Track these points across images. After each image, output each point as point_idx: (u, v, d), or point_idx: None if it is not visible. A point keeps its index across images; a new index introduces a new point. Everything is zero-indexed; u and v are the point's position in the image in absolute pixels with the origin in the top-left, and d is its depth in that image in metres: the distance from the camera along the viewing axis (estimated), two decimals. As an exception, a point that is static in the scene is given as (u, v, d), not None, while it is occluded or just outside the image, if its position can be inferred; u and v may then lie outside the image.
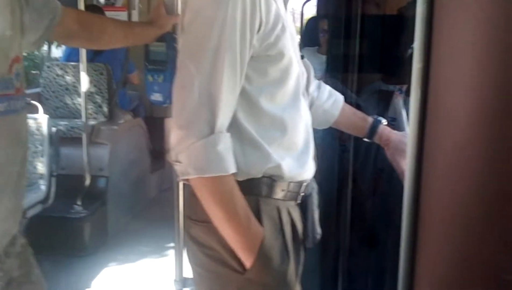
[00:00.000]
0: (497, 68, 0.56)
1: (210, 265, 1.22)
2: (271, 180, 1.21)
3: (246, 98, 1.17)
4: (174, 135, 1.13)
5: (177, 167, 1.15)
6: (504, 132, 0.58)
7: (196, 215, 1.22)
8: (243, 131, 1.18)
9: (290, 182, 1.24)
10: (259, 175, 1.19)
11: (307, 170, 1.28)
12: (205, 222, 1.18)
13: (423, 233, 0.71)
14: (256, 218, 1.18)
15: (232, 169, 1.13)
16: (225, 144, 1.12)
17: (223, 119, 1.12)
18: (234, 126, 1.16)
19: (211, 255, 1.21)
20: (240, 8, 1.09)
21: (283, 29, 1.17)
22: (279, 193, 1.23)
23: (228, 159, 1.13)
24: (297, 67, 1.24)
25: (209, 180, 1.13)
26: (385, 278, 1.52)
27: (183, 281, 3.07)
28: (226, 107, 1.12)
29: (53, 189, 3.26)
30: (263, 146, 1.18)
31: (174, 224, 3.01)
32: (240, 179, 1.17)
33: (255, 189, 1.20)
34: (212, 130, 1.11)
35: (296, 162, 1.24)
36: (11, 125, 1.31)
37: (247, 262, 1.16)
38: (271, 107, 1.19)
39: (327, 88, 1.53)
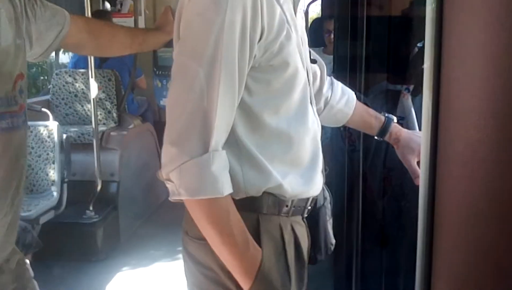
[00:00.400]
0: (509, 68, 0.57)
1: (207, 285, 1.16)
2: (273, 196, 1.13)
3: (246, 111, 1.08)
4: (165, 151, 1.04)
5: (168, 186, 1.06)
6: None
7: (193, 232, 1.14)
8: (242, 147, 1.09)
9: (294, 199, 1.16)
10: (259, 194, 1.11)
11: (314, 187, 1.20)
12: (203, 240, 1.10)
13: (439, 233, 0.72)
14: (256, 238, 1.11)
15: (228, 191, 1.04)
16: (220, 163, 1.03)
17: (219, 136, 1.03)
18: (232, 142, 1.08)
19: (208, 275, 1.15)
20: (240, 13, 0.99)
21: (288, 36, 1.07)
22: (282, 210, 1.15)
23: (223, 179, 1.03)
24: (304, 75, 1.15)
25: (202, 202, 1.04)
26: (399, 278, 1.53)
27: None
28: (222, 123, 1.03)
29: (65, 195, 3.29)
30: (263, 164, 1.10)
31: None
32: (238, 197, 1.09)
33: (255, 205, 1.12)
34: (206, 148, 1.01)
35: (301, 179, 1.16)
36: (13, 141, 1.30)
37: (245, 286, 1.10)
38: (275, 121, 1.10)
39: (339, 86, 1.48)
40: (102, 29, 1.70)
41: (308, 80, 1.20)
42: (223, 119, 1.03)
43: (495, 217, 0.61)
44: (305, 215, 1.21)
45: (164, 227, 3.95)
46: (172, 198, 1.07)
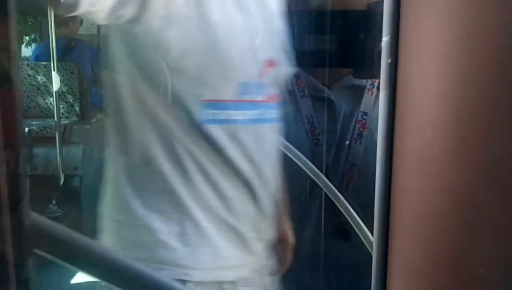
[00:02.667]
0: (465, 66, 0.58)
1: None
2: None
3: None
4: None
5: None
6: (471, 130, 0.60)
7: None
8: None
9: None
10: None
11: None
12: None
13: (395, 230, 0.73)
14: None
15: None
16: None
17: None
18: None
19: None
20: None
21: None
22: None
23: None
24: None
25: None
26: (357, 274, 1.55)
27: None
28: None
29: (27, 189, 3.24)
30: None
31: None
32: None
33: None
34: None
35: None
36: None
37: None
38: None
39: None
40: None
41: None
42: None
43: (450, 214, 0.62)
44: None
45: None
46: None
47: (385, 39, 0.71)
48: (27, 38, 5.89)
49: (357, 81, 1.73)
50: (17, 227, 0.61)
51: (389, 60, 0.70)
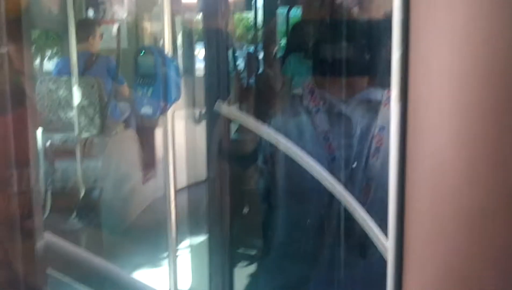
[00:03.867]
0: (474, 91, 0.58)
1: None
2: None
3: None
4: None
5: None
6: (482, 152, 0.60)
7: None
8: None
9: None
10: None
11: None
12: None
13: (408, 250, 0.73)
14: None
15: None
16: None
17: None
18: None
19: None
20: None
21: None
22: None
23: None
24: None
25: None
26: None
27: (178, 292, 3.07)
28: None
29: (48, 202, 3.28)
30: None
31: (167, 234, 3.01)
32: None
33: None
34: None
35: None
36: None
37: None
38: None
39: None
40: None
41: None
42: None
43: (463, 236, 0.62)
44: None
45: (146, 234, 3.94)
46: None
47: (395, 55, 0.71)
48: (48, 52, 5.98)
49: (372, 96, 1.72)
50: (30, 248, 0.62)
51: (398, 80, 0.70)
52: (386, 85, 1.74)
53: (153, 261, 3.58)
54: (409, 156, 0.69)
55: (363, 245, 1.57)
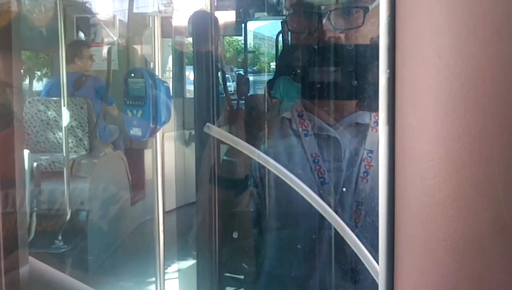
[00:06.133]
0: (460, 117, 0.58)
1: None
2: None
3: None
4: None
5: None
6: (471, 178, 0.60)
7: None
8: None
9: None
10: None
11: None
12: None
13: (399, 277, 0.73)
14: None
15: None
16: None
17: None
18: None
19: None
20: None
21: None
22: None
23: None
24: None
25: None
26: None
27: (165, 315, 3.03)
28: None
29: (34, 224, 3.24)
30: None
31: (155, 257, 2.98)
32: None
33: None
34: None
35: None
36: None
37: None
38: None
39: None
40: None
41: None
42: None
43: (453, 262, 0.61)
44: None
45: (134, 256, 3.90)
46: None
47: (382, 79, 0.72)
48: (38, 73, 5.97)
49: (360, 119, 1.73)
50: (13, 272, 0.60)
51: (384, 110, 0.70)
52: (374, 109, 1.76)
53: (141, 286, 3.54)
54: (398, 180, 0.68)
55: (355, 270, 1.56)
